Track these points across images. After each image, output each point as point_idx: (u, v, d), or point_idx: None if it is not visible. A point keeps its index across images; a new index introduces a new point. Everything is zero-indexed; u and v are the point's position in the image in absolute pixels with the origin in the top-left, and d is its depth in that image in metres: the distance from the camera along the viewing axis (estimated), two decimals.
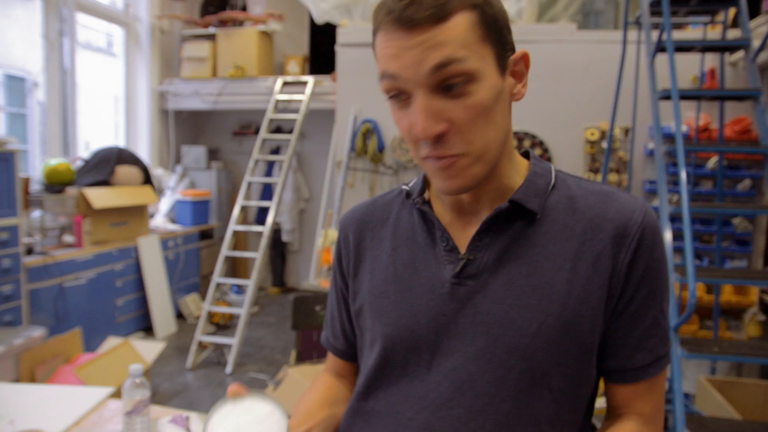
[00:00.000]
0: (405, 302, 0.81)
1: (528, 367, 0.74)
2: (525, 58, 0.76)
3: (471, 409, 0.75)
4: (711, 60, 3.36)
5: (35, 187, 4.06)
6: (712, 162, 3.34)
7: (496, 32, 0.71)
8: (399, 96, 0.71)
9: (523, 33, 3.66)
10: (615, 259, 0.75)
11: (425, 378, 0.79)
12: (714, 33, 3.33)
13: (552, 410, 0.76)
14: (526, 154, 0.86)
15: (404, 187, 0.90)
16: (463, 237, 0.81)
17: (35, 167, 4.47)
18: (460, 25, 0.67)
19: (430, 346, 0.79)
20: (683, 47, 2.68)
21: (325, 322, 1.02)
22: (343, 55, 3.91)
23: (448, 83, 0.68)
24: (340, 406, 0.93)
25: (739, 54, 3.30)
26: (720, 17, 3.09)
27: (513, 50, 0.75)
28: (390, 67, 0.70)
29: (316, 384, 0.98)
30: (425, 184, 0.86)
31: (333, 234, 3.73)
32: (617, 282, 0.75)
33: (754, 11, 3.27)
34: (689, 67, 3.35)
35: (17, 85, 4.41)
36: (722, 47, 2.88)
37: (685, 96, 2.61)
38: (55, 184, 4.02)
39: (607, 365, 0.80)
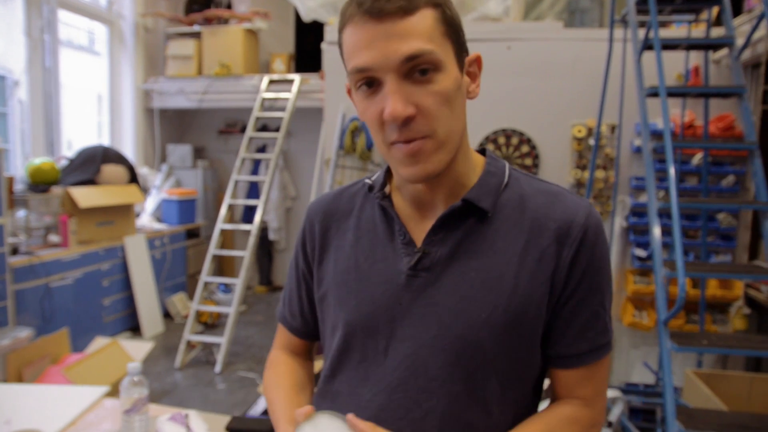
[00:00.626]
0: (364, 291, 0.86)
1: (476, 353, 0.80)
2: (478, 61, 0.82)
3: (424, 390, 0.81)
4: (695, 58, 3.40)
5: (19, 186, 3.99)
6: (697, 158, 3.39)
7: (455, 32, 0.77)
8: (370, 84, 0.75)
9: (509, 31, 3.68)
10: (558, 256, 0.81)
11: (382, 363, 0.84)
12: (698, 31, 3.38)
13: (499, 392, 0.82)
14: (483, 152, 0.90)
15: (367, 180, 0.94)
16: (419, 230, 0.85)
17: (17, 167, 4.40)
18: (426, 20, 0.73)
19: (386, 333, 0.83)
20: (669, 45, 2.72)
21: (282, 300, 1.05)
22: (330, 53, 3.89)
23: (419, 68, 0.73)
24: (307, 389, 0.99)
25: (723, 52, 3.35)
26: (704, 15, 3.14)
27: (467, 52, 0.81)
28: (360, 59, 0.74)
29: (279, 369, 1.01)
30: (386, 178, 0.91)
31: None
32: (560, 277, 0.81)
33: (737, 10, 3.33)
34: (673, 65, 3.39)
35: None
36: (707, 45, 2.93)
37: (672, 93, 2.64)
38: (40, 183, 3.97)
39: (550, 351, 0.86)
